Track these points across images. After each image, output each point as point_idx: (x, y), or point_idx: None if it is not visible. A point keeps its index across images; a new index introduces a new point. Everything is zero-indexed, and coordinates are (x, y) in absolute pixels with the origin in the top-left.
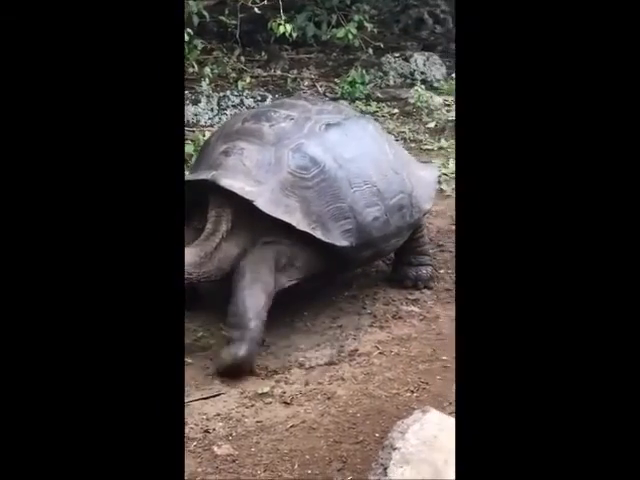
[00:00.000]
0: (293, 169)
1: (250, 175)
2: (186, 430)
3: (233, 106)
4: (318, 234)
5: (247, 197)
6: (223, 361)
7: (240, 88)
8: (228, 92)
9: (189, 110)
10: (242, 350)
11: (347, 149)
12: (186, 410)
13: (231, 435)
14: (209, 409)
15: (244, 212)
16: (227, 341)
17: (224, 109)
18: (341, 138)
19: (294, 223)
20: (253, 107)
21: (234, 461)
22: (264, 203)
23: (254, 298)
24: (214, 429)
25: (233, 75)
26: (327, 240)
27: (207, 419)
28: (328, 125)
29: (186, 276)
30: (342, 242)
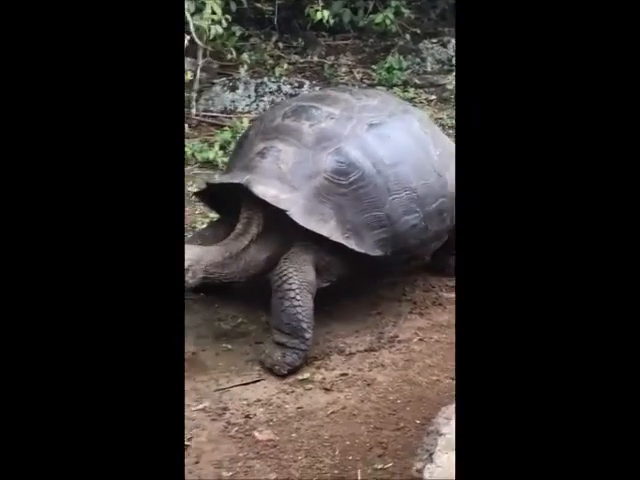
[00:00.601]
0: (330, 174)
1: (285, 180)
2: (227, 415)
3: (270, 92)
4: (351, 244)
5: (280, 206)
6: (277, 368)
7: (277, 75)
8: (265, 79)
9: (227, 97)
10: (298, 361)
11: (388, 153)
12: (227, 396)
13: (272, 421)
14: (250, 395)
15: (277, 217)
16: (279, 345)
17: (261, 96)
18: (383, 141)
19: (326, 234)
20: (290, 94)
21: (275, 446)
22: (297, 213)
23: (305, 305)
24: (255, 414)
25: (270, 62)
26: (360, 250)
27: (248, 404)
28: (370, 126)
29: (207, 275)
30: (376, 252)
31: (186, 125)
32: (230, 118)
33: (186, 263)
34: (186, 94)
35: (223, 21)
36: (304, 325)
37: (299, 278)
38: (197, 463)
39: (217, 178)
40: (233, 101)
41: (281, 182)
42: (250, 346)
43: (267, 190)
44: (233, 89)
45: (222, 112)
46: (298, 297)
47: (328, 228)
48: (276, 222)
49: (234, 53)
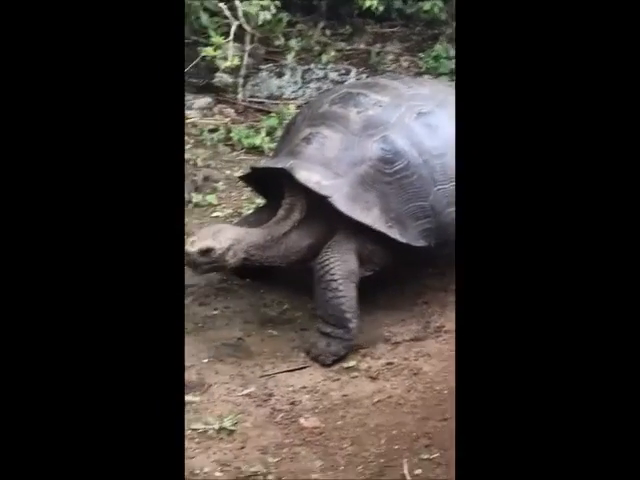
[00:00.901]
0: (375, 162)
1: (329, 167)
2: (272, 401)
3: (317, 79)
4: (394, 233)
5: (323, 193)
6: (322, 358)
7: (324, 62)
8: (312, 65)
9: (273, 83)
10: (343, 351)
11: (435, 143)
12: (272, 382)
13: (317, 408)
14: (295, 381)
15: (320, 203)
16: (324, 335)
17: (308, 82)
18: (430, 130)
19: (369, 223)
20: (337, 81)
21: (321, 434)
22: (341, 200)
23: (349, 295)
24: (300, 401)
25: (317, 48)
26: (403, 240)
27: (293, 391)
28: (419, 114)
29: (248, 256)
30: (419, 242)
31: (232, 110)
32: (276, 104)
33: (227, 242)
34: (233, 79)
35: (272, 7)
36: (348, 315)
37: (342, 268)
38: (243, 448)
39: (262, 163)
40: (280, 87)
41: (325, 168)
42: (295, 333)
43: (310, 176)
44: (280, 75)
45: (268, 98)
46: (341, 287)
47: (371, 217)
48: (319, 209)
49: (282, 39)
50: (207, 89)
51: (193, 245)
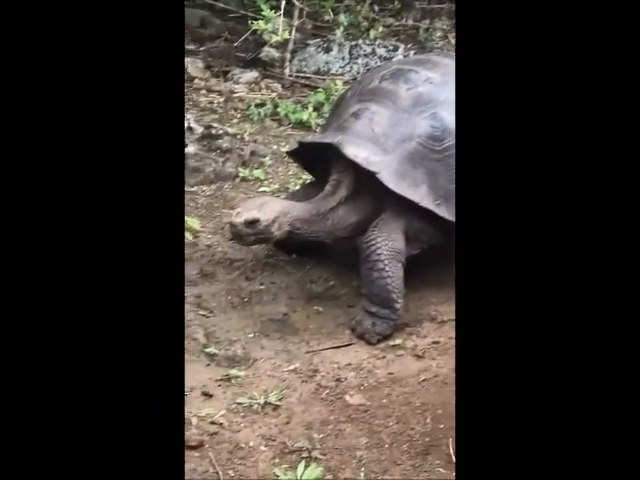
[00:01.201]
0: (424, 139)
1: (378, 143)
2: (318, 378)
3: (364, 55)
4: (442, 211)
5: (371, 169)
6: (367, 337)
7: (372, 37)
8: (360, 41)
9: (321, 58)
10: (388, 330)
11: None
12: (317, 358)
13: (363, 385)
14: (340, 358)
15: (367, 180)
16: (369, 314)
17: (355, 58)
18: None
19: (417, 200)
20: (385, 57)
21: (366, 411)
22: (388, 176)
23: (395, 275)
24: (346, 378)
25: (365, 24)
26: (451, 218)
27: (339, 368)
28: None
29: (293, 229)
30: None
31: (279, 85)
32: (323, 80)
33: (273, 214)
34: (280, 54)
35: None
36: (394, 296)
37: (388, 247)
38: (288, 424)
39: (310, 138)
40: (327, 63)
41: (373, 144)
42: (341, 310)
43: (358, 151)
44: (327, 50)
45: (315, 73)
46: (387, 268)
47: (419, 194)
48: (366, 186)
49: (331, 14)
50: (254, 63)
51: (239, 216)
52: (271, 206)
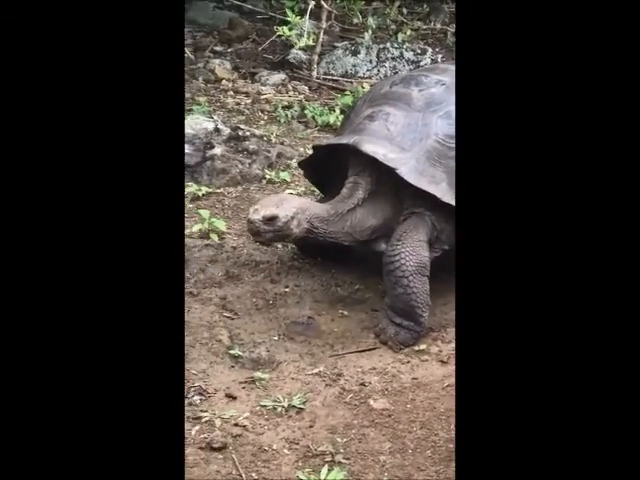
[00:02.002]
0: (441, 137)
1: (394, 141)
2: (342, 381)
3: (392, 58)
4: None
5: (390, 165)
6: (390, 344)
7: (400, 40)
8: (388, 44)
9: (348, 61)
10: (412, 340)
11: None
12: (342, 362)
13: (387, 390)
14: (364, 362)
15: (385, 181)
16: (393, 323)
17: (383, 61)
18: None
19: (439, 195)
20: (412, 61)
21: (390, 416)
22: (408, 172)
23: (421, 289)
24: (370, 383)
25: (393, 27)
26: None
27: (362, 372)
28: None
29: (311, 228)
30: None
31: (306, 87)
32: (351, 82)
33: (292, 210)
34: (308, 56)
35: None
36: (419, 310)
37: (413, 262)
38: (311, 427)
39: (324, 142)
40: (354, 65)
41: (390, 143)
42: (366, 314)
43: (376, 149)
44: (355, 53)
45: (343, 76)
46: (412, 284)
47: (440, 189)
48: (385, 186)
49: (360, 17)
50: (281, 65)
51: (257, 213)
52: (290, 203)
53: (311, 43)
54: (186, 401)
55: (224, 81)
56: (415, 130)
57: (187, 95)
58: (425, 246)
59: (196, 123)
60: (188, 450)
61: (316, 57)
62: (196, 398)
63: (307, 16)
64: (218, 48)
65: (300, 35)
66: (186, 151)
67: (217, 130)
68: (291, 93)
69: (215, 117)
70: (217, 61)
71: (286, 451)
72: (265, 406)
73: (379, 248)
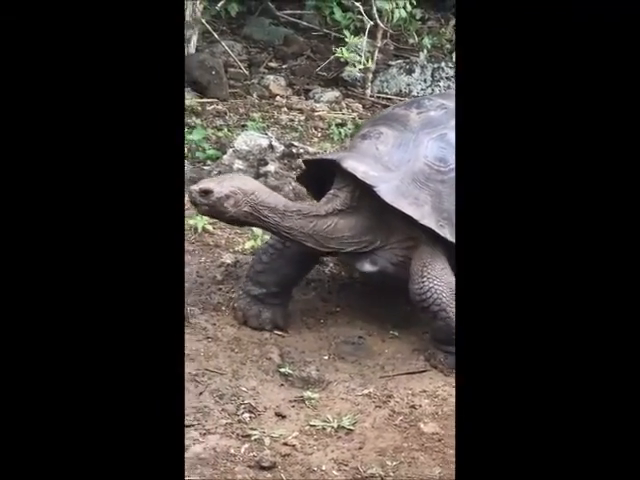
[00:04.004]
0: (430, 160)
1: (381, 161)
2: (392, 403)
3: (447, 78)
4: (445, 233)
5: (368, 182)
6: (440, 368)
7: (455, 60)
8: (442, 63)
9: (402, 80)
10: None
11: None
12: (392, 383)
13: (437, 413)
14: (415, 384)
15: (368, 199)
16: (440, 350)
17: (437, 80)
18: None
19: (417, 217)
20: None
21: (440, 440)
22: (386, 191)
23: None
24: (420, 405)
25: (448, 46)
26: (453, 240)
27: (413, 394)
28: None
29: (254, 212)
30: None
31: (360, 105)
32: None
33: (228, 189)
34: (362, 74)
35: (407, 5)
36: None
37: (446, 293)
38: (360, 449)
39: (316, 157)
40: (408, 84)
41: (376, 162)
42: (417, 336)
43: (358, 166)
44: (409, 72)
45: (397, 95)
46: (450, 313)
47: (420, 212)
48: (366, 205)
49: (415, 37)
50: (335, 82)
51: (197, 184)
52: (232, 182)
53: (369, 65)
54: (236, 418)
55: (278, 97)
56: (405, 151)
57: (241, 111)
58: (449, 271)
59: (250, 139)
60: (237, 468)
61: (370, 75)
62: (246, 415)
63: (365, 37)
64: (273, 64)
65: (358, 55)
66: (239, 167)
67: (271, 147)
68: (345, 111)
69: (269, 133)
70: (272, 77)
71: (335, 472)
72: (314, 426)
73: (363, 268)
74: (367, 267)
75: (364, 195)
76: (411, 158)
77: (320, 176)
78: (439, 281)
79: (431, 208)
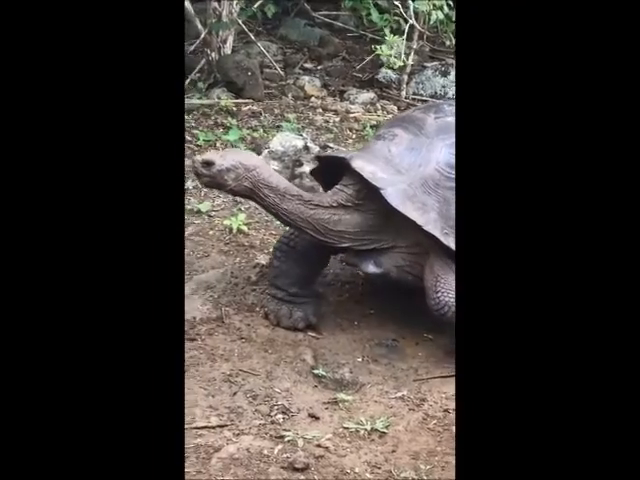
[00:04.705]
0: (441, 166)
1: (391, 163)
2: (425, 407)
3: None
4: (449, 242)
5: (375, 184)
6: None
7: (455, 59)
8: None
9: (437, 81)
10: None
11: None
12: (425, 386)
13: None
14: (449, 388)
15: (376, 200)
16: None
17: None
18: None
19: (421, 222)
20: None
21: None
22: (393, 194)
23: None
24: (454, 409)
25: None
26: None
27: (447, 398)
28: None
29: (254, 189)
30: None
31: (395, 107)
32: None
33: (230, 162)
34: (397, 76)
35: (445, 7)
36: None
37: None
38: (394, 452)
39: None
40: (444, 86)
41: (385, 163)
42: (450, 339)
43: (366, 166)
44: (445, 74)
45: (432, 96)
46: None
47: (425, 218)
48: (373, 206)
49: (452, 39)
50: (370, 84)
51: (201, 155)
52: (235, 156)
53: (406, 62)
54: (269, 419)
55: (313, 98)
56: (417, 155)
57: (276, 111)
58: None
59: (285, 140)
60: (270, 469)
61: (406, 77)
62: (279, 416)
63: (404, 37)
64: (308, 65)
65: (396, 57)
66: (275, 168)
67: (306, 147)
68: (380, 112)
69: (304, 134)
70: (307, 78)
71: (368, 475)
72: (348, 428)
73: (366, 269)
74: (371, 268)
75: (371, 195)
76: (422, 163)
77: (334, 172)
78: (454, 293)
79: (437, 215)
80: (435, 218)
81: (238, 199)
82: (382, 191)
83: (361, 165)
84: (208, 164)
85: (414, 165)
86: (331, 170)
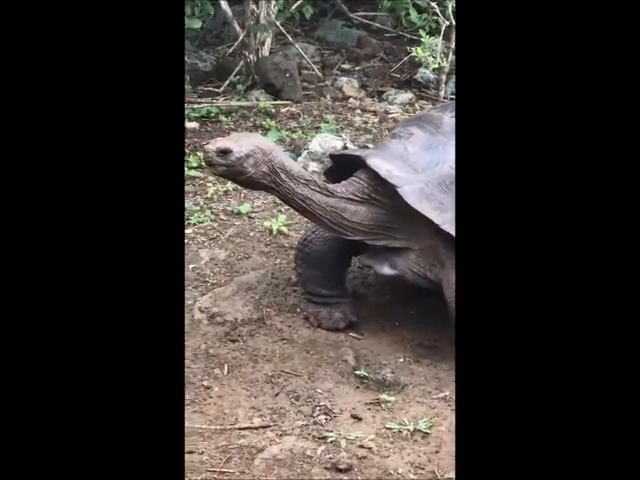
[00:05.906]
0: None
1: (408, 161)
2: None
3: None
4: None
5: (392, 182)
6: None
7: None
8: None
9: None
10: None
11: None
12: None
13: None
14: None
15: (392, 198)
16: None
17: None
18: None
19: (438, 221)
20: None
21: None
22: (410, 193)
23: None
24: None
25: None
26: None
27: None
28: None
29: (271, 174)
30: None
31: (432, 107)
32: None
33: (248, 148)
34: (435, 76)
35: None
36: None
37: None
38: (437, 453)
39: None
40: None
41: (402, 162)
42: None
43: (382, 164)
44: None
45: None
46: None
47: (442, 217)
48: (388, 203)
49: None
50: (409, 84)
51: (214, 143)
52: (251, 140)
53: (444, 64)
54: (312, 420)
55: (351, 99)
56: (434, 154)
57: (315, 113)
58: None
59: (325, 141)
60: (313, 470)
61: (444, 77)
62: (322, 417)
63: (440, 38)
64: (346, 66)
65: (433, 56)
66: (315, 169)
67: (345, 148)
68: (418, 112)
69: (343, 135)
70: (345, 79)
71: (411, 476)
72: (391, 429)
73: (381, 270)
74: (386, 270)
75: (386, 193)
76: (439, 161)
77: (349, 172)
78: None
79: (454, 214)
80: (452, 217)
81: (278, 201)
82: (399, 189)
83: (377, 163)
84: (224, 152)
85: (431, 164)
86: (346, 169)
